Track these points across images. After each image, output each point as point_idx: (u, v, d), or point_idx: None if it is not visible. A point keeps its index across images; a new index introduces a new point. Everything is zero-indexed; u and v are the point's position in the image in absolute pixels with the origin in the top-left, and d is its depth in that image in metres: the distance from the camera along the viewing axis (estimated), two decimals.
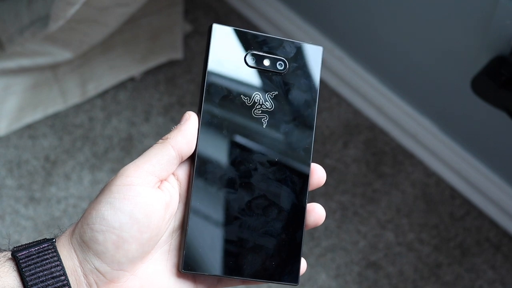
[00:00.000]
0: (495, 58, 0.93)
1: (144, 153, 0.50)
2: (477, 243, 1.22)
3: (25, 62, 1.22)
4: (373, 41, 1.20)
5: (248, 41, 0.53)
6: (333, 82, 1.31)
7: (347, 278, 1.20)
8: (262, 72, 0.53)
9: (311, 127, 0.54)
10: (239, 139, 0.52)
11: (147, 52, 1.31)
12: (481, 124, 1.14)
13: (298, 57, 0.54)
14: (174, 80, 1.32)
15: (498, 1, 0.89)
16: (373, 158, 1.28)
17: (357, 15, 1.19)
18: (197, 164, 0.51)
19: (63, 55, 1.23)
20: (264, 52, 0.53)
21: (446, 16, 1.02)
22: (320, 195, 1.22)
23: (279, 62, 0.54)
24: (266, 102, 0.53)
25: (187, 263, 0.50)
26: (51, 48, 1.21)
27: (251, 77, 0.53)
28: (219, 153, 0.52)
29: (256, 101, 0.53)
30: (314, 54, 0.55)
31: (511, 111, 0.94)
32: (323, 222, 1.23)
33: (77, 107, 1.28)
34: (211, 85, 0.52)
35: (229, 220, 0.51)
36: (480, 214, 1.24)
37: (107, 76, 1.29)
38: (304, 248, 1.19)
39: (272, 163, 0.52)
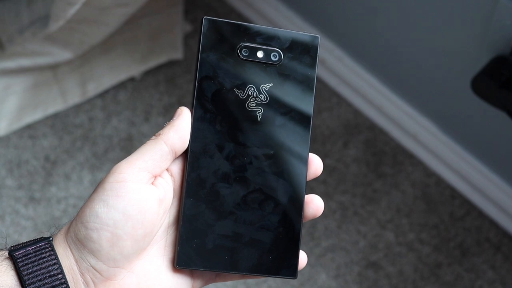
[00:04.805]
0: (495, 58, 0.93)
1: (137, 149, 0.50)
2: (477, 243, 1.22)
3: (25, 62, 1.22)
4: (373, 41, 1.20)
5: (240, 33, 0.53)
6: (333, 82, 1.31)
7: (347, 278, 1.19)
8: (256, 64, 0.52)
9: (308, 118, 0.53)
10: (233, 132, 0.52)
11: (147, 52, 1.31)
12: (481, 124, 1.14)
13: (293, 47, 0.53)
14: (174, 80, 1.32)
15: (498, 1, 0.89)
16: (373, 158, 1.27)
17: (357, 15, 1.19)
18: (190, 159, 0.51)
19: (63, 55, 1.23)
20: (257, 43, 0.53)
21: (446, 16, 1.02)
22: (320, 195, 1.22)
23: (273, 53, 0.53)
24: (261, 95, 0.52)
25: (181, 259, 0.50)
26: (51, 48, 1.21)
27: (245, 69, 0.52)
28: (213, 147, 0.51)
29: (250, 94, 0.52)
30: (310, 43, 0.54)
31: (511, 111, 0.94)
32: (323, 222, 1.23)
33: (77, 107, 1.28)
34: (203, 79, 0.52)
35: (224, 214, 0.51)
36: (480, 214, 1.24)
37: (107, 76, 1.29)
38: (304, 248, 1.19)
39: (268, 156, 0.52)
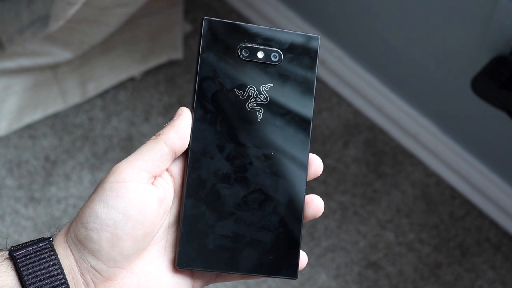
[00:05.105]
0: (495, 58, 0.93)
1: (137, 150, 0.50)
2: (477, 243, 1.22)
3: (25, 62, 1.22)
4: (373, 41, 1.20)
5: (240, 34, 0.53)
6: (333, 82, 1.31)
7: (347, 278, 1.19)
8: (256, 64, 0.52)
9: (308, 118, 0.53)
10: (234, 133, 0.52)
11: (147, 52, 1.31)
12: (481, 124, 1.14)
13: (294, 47, 0.53)
14: (174, 80, 1.32)
15: (498, 1, 0.89)
16: (373, 158, 1.27)
17: (357, 15, 1.19)
18: (190, 159, 0.51)
19: (63, 55, 1.23)
20: (257, 44, 0.52)
21: (446, 16, 1.02)
22: (320, 195, 1.22)
23: (273, 54, 0.53)
24: (261, 95, 0.52)
25: (182, 259, 0.50)
26: (51, 48, 1.21)
27: (245, 70, 0.52)
28: (213, 147, 0.51)
29: (250, 94, 0.52)
30: (310, 44, 0.53)
31: (511, 111, 0.94)
32: (323, 222, 1.23)
33: (77, 107, 1.28)
34: (203, 79, 0.52)
35: (224, 215, 0.51)
36: (480, 214, 1.24)
37: (107, 76, 1.29)
38: (304, 248, 1.19)
39: (268, 156, 0.52)
